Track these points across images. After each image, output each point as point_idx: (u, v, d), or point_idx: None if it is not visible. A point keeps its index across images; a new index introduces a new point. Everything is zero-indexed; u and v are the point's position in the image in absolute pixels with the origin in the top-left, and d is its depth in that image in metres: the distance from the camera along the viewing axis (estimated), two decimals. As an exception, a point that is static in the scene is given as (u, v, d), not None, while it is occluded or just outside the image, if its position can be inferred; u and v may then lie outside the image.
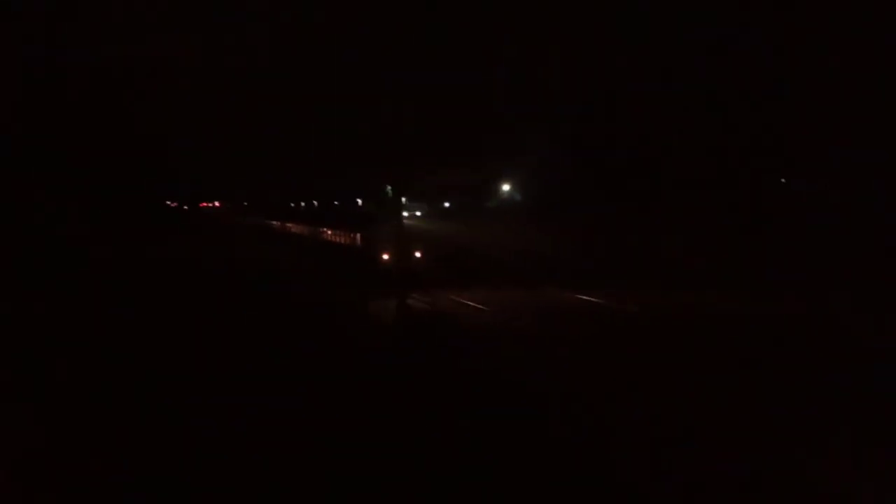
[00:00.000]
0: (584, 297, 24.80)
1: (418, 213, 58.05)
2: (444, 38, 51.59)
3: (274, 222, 72.78)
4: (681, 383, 13.32)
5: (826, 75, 31.43)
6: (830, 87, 30.99)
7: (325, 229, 46.86)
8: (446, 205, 63.72)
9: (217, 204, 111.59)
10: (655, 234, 32.60)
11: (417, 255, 30.54)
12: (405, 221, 32.25)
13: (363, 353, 15.85)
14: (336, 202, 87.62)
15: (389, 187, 56.06)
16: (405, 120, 49.86)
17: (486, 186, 57.42)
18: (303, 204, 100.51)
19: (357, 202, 77.84)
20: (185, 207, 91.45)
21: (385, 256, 30.73)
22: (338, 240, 41.85)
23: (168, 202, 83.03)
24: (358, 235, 37.49)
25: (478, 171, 52.19)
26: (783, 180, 38.58)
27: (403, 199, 50.11)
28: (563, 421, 11.30)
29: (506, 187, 56.69)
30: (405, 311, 22.46)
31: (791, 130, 33.65)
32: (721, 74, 36.49)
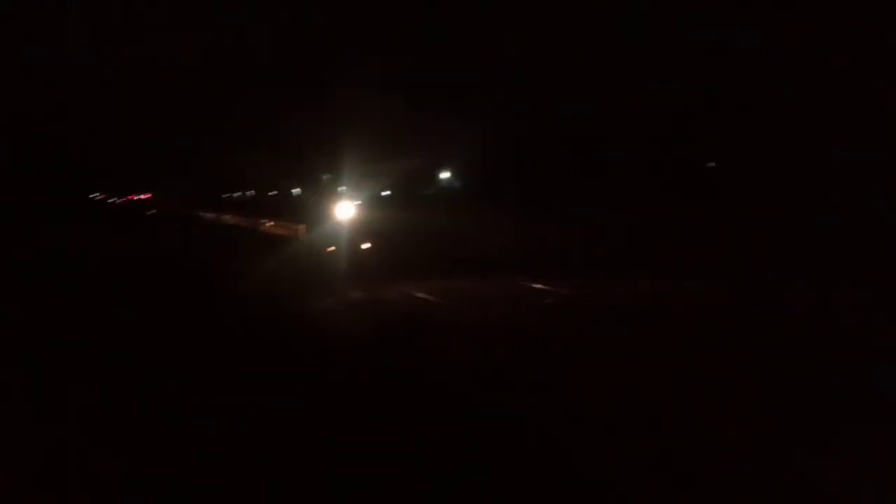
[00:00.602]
0: (541, 287, 24.37)
1: (357, 202, 56.75)
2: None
3: (208, 214, 70.62)
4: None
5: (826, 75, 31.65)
6: (830, 87, 31.23)
7: (264, 220, 45.38)
8: (385, 192, 62.70)
9: (148, 196, 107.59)
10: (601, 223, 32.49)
11: (365, 246, 29.57)
12: (347, 211, 30.84)
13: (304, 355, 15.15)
14: (274, 192, 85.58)
15: (325, 176, 54.89)
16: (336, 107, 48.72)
17: (425, 173, 56.71)
18: (235, 195, 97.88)
19: (294, 192, 76.14)
20: (114, 200, 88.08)
21: (331, 248, 29.69)
22: (279, 232, 40.46)
23: (92, 196, 79.76)
24: (301, 227, 36.26)
25: (416, 158, 51.44)
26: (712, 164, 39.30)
27: (341, 188, 48.93)
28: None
29: (445, 174, 56.14)
30: (353, 308, 21.56)
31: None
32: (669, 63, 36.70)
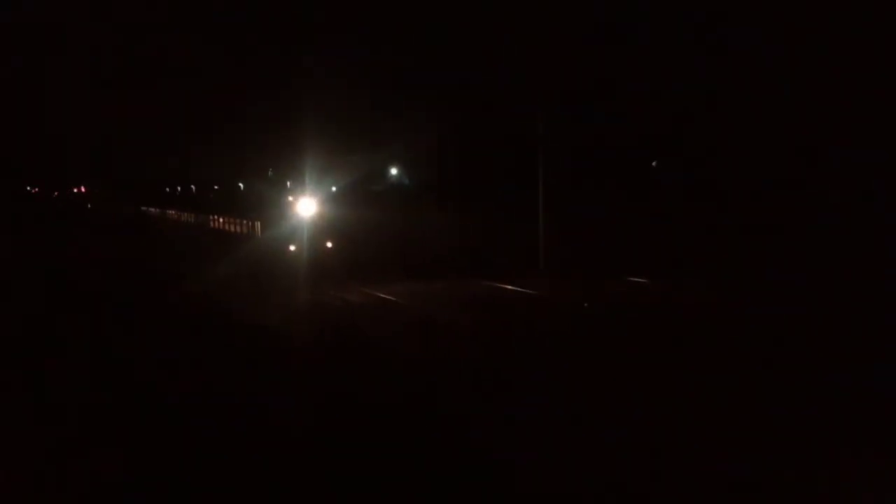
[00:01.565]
0: (509, 287, 24.48)
1: (315, 199, 55.82)
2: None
3: (151, 209, 68.39)
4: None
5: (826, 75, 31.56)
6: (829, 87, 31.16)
7: (214, 216, 44.21)
8: (333, 189, 61.84)
9: (82, 189, 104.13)
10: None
11: (328, 245, 29.13)
12: (309, 207, 29.98)
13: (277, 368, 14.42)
14: (216, 186, 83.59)
15: (271, 171, 53.94)
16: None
17: (373, 169, 56.26)
18: (179, 189, 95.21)
19: (239, 186, 74.57)
20: (55, 193, 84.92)
21: (291, 248, 29.14)
22: (233, 229, 39.49)
23: (29, 188, 76.80)
24: (257, 224, 35.43)
25: (365, 154, 50.93)
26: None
27: (288, 183, 48.10)
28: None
29: (393, 171, 55.78)
30: (321, 314, 20.90)
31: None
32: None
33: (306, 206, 30.16)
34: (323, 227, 29.72)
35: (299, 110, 45.86)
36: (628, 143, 39.69)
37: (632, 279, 24.73)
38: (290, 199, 33.97)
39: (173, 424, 11.11)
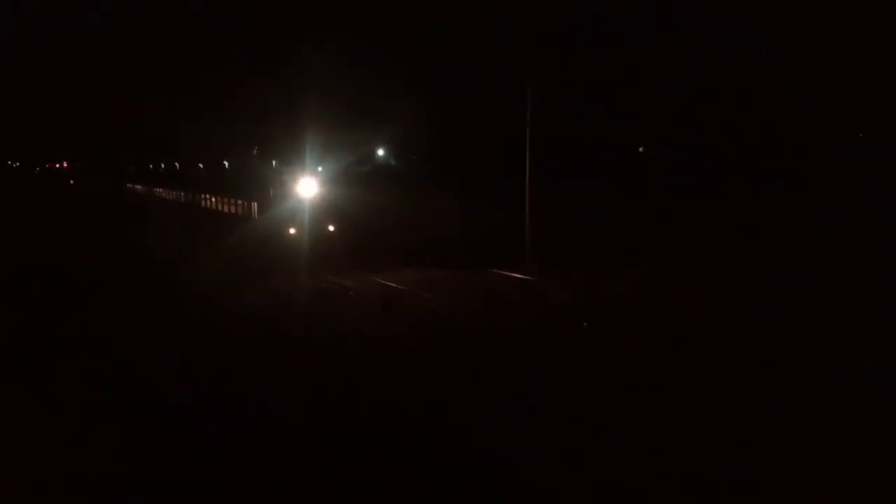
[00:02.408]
0: (516, 276, 23.43)
1: (305, 179, 54.27)
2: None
3: (137, 186, 66.55)
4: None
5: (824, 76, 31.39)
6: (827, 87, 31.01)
7: (206, 196, 42.69)
8: (318, 168, 60.30)
9: (64, 164, 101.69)
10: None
11: (331, 228, 27.79)
12: (310, 188, 28.27)
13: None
14: (200, 164, 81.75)
15: (256, 149, 52.43)
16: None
17: (373, 150, 54.93)
18: (163, 165, 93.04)
19: (224, 164, 72.89)
20: (37, 169, 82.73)
21: (291, 231, 27.80)
22: (227, 209, 38.02)
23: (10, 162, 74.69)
24: (254, 205, 33.92)
25: (367, 133, 49.55)
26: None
27: (273, 163, 46.61)
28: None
29: (380, 152, 54.41)
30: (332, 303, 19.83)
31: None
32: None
33: (307, 187, 28.41)
34: (325, 209, 28.22)
35: (299, 87, 44.35)
36: (629, 143, 39.37)
37: (630, 275, 23.71)
38: (289, 178, 32.41)
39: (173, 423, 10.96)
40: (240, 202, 35.65)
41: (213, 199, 40.53)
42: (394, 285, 21.45)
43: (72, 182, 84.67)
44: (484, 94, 43.11)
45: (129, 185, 70.14)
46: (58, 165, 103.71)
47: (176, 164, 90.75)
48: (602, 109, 39.01)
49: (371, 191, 34.82)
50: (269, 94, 46.66)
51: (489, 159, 41.24)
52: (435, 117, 44.53)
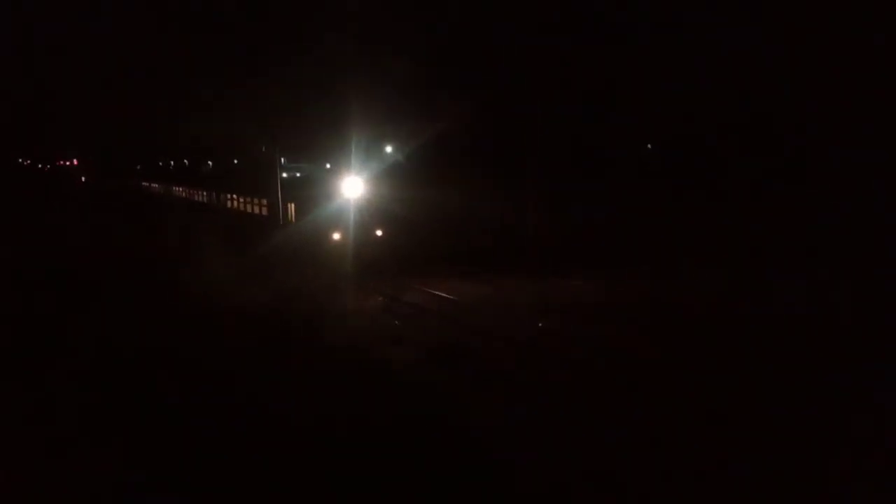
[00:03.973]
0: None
1: (297, 175, 52.03)
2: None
3: (153, 185, 64.33)
4: None
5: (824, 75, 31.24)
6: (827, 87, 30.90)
7: (231, 195, 40.57)
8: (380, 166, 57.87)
9: (74, 162, 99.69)
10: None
11: (378, 233, 25.70)
12: (355, 188, 25.80)
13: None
14: (210, 162, 79.89)
15: (265, 146, 50.21)
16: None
17: (370, 146, 52.46)
18: (172, 163, 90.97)
19: (234, 162, 70.88)
20: (47, 166, 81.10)
21: (336, 236, 25.76)
22: (256, 211, 35.95)
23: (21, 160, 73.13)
24: (291, 206, 31.74)
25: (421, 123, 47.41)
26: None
27: (283, 160, 44.30)
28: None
29: (388, 148, 52.03)
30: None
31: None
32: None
33: (352, 186, 26.12)
34: (371, 212, 26.04)
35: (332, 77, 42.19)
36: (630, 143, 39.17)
37: (632, 276, 22.71)
38: (332, 178, 30.10)
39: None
40: (272, 204, 33.41)
41: (241, 200, 38.31)
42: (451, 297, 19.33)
43: (83, 179, 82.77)
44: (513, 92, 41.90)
45: (144, 184, 67.99)
46: (67, 163, 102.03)
47: (185, 161, 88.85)
48: (602, 109, 39.24)
49: (414, 190, 32.57)
50: (288, 83, 44.69)
51: (520, 159, 39.58)
52: (473, 115, 42.94)
